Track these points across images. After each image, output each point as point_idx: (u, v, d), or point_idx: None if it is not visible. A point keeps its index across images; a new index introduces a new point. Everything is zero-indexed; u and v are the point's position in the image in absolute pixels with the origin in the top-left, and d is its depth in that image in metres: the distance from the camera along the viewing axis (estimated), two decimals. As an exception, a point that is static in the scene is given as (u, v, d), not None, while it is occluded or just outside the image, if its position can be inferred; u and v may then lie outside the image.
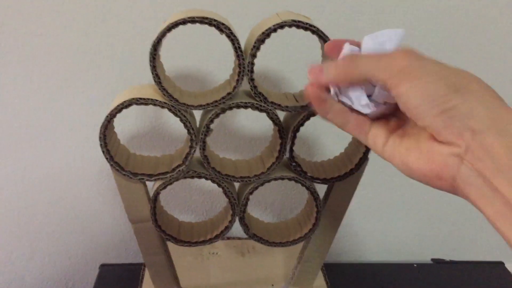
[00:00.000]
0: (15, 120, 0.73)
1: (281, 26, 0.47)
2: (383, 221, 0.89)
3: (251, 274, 0.72)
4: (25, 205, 0.81)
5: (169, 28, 0.46)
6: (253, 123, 0.77)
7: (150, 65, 0.47)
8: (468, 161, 0.31)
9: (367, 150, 0.55)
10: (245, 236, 0.78)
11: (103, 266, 0.79)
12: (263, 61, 0.71)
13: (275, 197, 0.86)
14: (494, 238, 0.91)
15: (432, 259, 0.86)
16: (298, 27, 0.47)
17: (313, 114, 0.52)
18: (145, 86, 0.53)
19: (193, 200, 0.84)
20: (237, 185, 0.60)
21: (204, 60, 0.72)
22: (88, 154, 0.77)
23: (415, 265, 0.83)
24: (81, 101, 0.72)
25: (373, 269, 0.81)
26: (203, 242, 0.59)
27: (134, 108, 0.50)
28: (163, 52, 0.50)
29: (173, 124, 0.76)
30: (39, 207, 0.81)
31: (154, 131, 0.76)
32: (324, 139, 0.79)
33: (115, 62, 0.70)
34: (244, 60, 0.48)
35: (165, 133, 0.76)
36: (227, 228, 0.58)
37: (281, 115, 0.54)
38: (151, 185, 0.57)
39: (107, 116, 0.50)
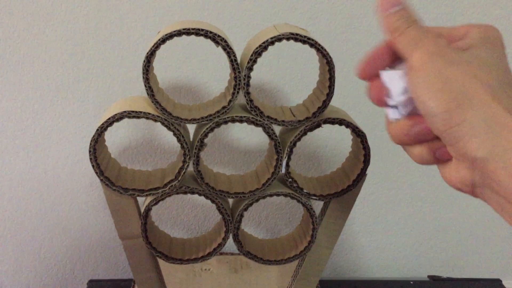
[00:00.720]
0: (2, 131, 0.71)
1: (278, 39, 0.46)
2: (379, 236, 0.88)
3: (244, 291, 0.71)
4: (11, 217, 0.79)
5: (163, 40, 0.45)
6: (248, 137, 0.76)
7: (143, 77, 0.46)
8: (478, 177, 0.29)
9: (365, 166, 0.53)
10: (238, 252, 0.77)
11: (91, 282, 0.77)
12: (259, 74, 0.70)
13: (269, 212, 0.84)
14: (491, 255, 0.91)
15: (429, 276, 0.85)
16: (296, 40, 0.46)
17: (310, 129, 0.51)
18: (138, 98, 0.52)
19: (185, 214, 0.82)
20: (231, 200, 0.59)
21: (199, 72, 0.70)
22: (78, 167, 0.75)
23: (411, 282, 0.81)
24: (71, 112, 0.71)
25: (369, 285, 0.80)
26: (195, 260, 0.57)
27: (126, 120, 0.48)
28: (156, 63, 0.49)
29: (166, 137, 0.74)
30: (26, 219, 0.79)
31: (146, 144, 0.74)
32: (320, 154, 0.78)
33: (107, 73, 0.69)
34: (240, 73, 0.47)
35: (158, 146, 0.75)
36: (220, 245, 0.57)
37: (277, 129, 0.53)
38: (142, 200, 0.56)
39: (97, 129, 0.48)
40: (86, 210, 0.79)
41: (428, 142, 0.34)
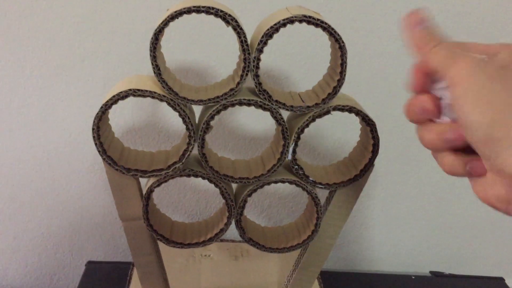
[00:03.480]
0: (4, 109, 0.70)
1: (291, 21, 0.45)
2: (382, 230, 0.87)
3: (244, 279, 0.70)
4: (10, 196, 0.78)
5: (172, 17, 0.44)
6: (253, 122, 0.75)
7: (150, 55, 0.45)
8: None
9: (373, 156, 0.53)
10: (239, 239, 0.76)
11: (90, 263, 0.77)
12: (267, 58, 0.69)
13: (272, 201, 0.83)
14: (495, 253, 0.90)
15: (431, 272, 0.85)
16: (308, 23, 0.45)
17: (319, 115, 0.50)
18: (144, 77, 0.51)
19: (187, 199, 0.82)
20: (234, 186, 0.58)
21: (206, 53, 0.69)
22: (81, 147, 0.75)
23: (413, 277, 0.81)
24: (76, 91, 0.70)
25: (370, 279, 0.79)
26: (196, 244, 0.57)
27: (130, 100, 0.48)
28: (163, 43, 0.48)
29: (170, 119, 0.73)
30: (25, 199, 0.79)
31: (150, 126, 0.74)
32: (327, 142, 0.77)
33: (113, 52, 0.68)
34: (250, 55, 0.46)
35: (161, 129, 0.74)
36: (222, 230, 0.56)
37: (285, 115, 0.52)
38: (144, 182, 0.55)
39: (101, 107, 0.47)
40: (86, 191, 0.79)
41: (462, 154, 0.33)
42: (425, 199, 0.84)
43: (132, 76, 0.52)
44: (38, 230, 0.82)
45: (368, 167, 0.53)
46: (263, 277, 0.71)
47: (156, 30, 0.44)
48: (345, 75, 0.48)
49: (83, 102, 0.71)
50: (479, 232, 0.88)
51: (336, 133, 0.75)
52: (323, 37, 0.47)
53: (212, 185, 0.54)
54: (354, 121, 0.52)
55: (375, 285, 0.78)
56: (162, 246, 0.59)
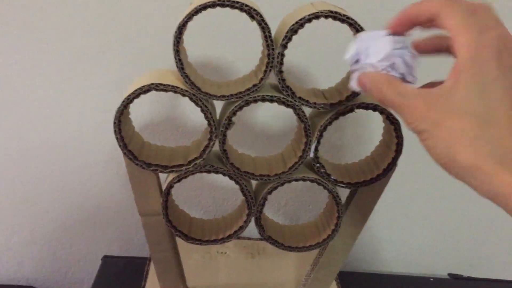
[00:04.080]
0: (23, 101, 0.71)
1: (316, 16, 0.44)
2: (400, 230, 0.86)
3: (260, 277, 0.70)
4: (28, 189, 0.79)
5: (196, 11, 0.43)
6: (272, 119, 0.74)
7: (174, 49, 0.45)
8: None
9: (397, 155, 0.52)
10: (255, 236, 0.76)
11: (106, 258, 0.77)
12: (289, 54, 0.68)
13: (289, 199, 0.83)
14: (515, 257, 0.89)
15: (449, 274, 0.83)
16: (334, 18, 0.44)
17: (342, 113, 0.49)
18: (166, 71, 0.51)
19: (204, 196, 0.81)
20: (254, 183, 0.58)
21: (226, 50, 0.69)
22: (98, 140, 0.75)
23: (431, 279, 0.80)
24: (93, 84, 0.70)
25: (388, 280, 0.79)
26: (215, 241, 0.56)
27: (149, 95, 0.47)
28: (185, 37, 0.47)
29: (189, 115, 0.73)
30: (43, 192, 0.79)
31: (168, 120, 0.73)
32: (349, 141, 0.76)
33: (131, 45, 0.68)
34: (274, 51, 0.45)
35: (180, 123, 0.74)
36: (241, 228, 0.56)
37: (307, 112, 0.51)
38: (164, 177, 0.55)
39: (123, 101, 0.47)
40: (103, 185, 0.79)
41: None
42: (444, 200, 0.83)
43: (154, 70, 0.51)
44: (54, 223, 0.83)
45: (391, 166, 0.53)
46: (280, 275, 0.70)
47: (180, 23, 0.44)
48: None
49: (99, 96, 0.71)
50: (498, 234, 0.87)
51: (358, 131, 0.75)
52: (347, 33, 0.47)
53: (229, 182, 0.53)
54: (376, 118, 0.51)
55: (393, 286, 0.77)
56: (179, 242, 0.59)
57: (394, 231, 0.87)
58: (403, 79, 0.38)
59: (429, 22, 0.35)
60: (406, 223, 0.85)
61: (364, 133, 0.75)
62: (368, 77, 0.38)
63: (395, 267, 0.90)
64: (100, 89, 0.70)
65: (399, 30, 0.38)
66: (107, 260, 0.77)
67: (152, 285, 0.66)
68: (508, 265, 0.90)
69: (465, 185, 0.81)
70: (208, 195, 0.81)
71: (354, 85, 0.41)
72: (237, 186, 0.54)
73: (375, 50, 0.39)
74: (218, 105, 0.53)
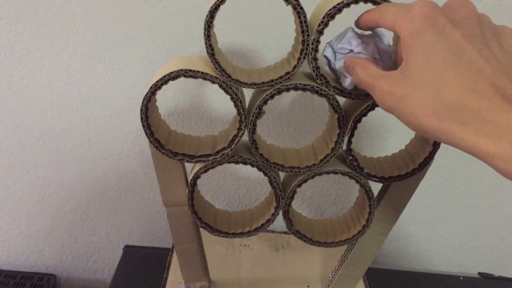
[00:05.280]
0: (48, 86, 0.70)
1: (355, 0, 0.42)
2: (429, 227, 0.84)
3: (285, 271, 0.68)
4: (50, 175, 0.78)
5: (230, -7, 0.42)
6: (303, 108, 0.72)
7: (205, 34, 0.43)
8: None
9: (435, 149, 0.50)
10: (279, 229, 0.74)
11: (127, 247, 0.77)
12: (324, 41, 0.66)
13: (314, 192, 0.81)
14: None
15: (480, 273, 0.81)
16: (374, 3, 0.42)
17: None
18: (194, 58, 0.49)
19: (227, 186, 0.80)
20: (282, 175, 0.56)
21: (254, 38, 0.67)
22: (122, 128, 0.74)
23: (461, 278, 0.78)
24: (119, 70, 0.69)
25: (416, 277, 0.77)
26: (241, 234, 0.55)
27: (175, 82, 0.46)
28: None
29: (215, 104, 0.72)
30: (65, 179, 0.79)
31: (193, 109, 0.72)
32: (382, 133, 0.74)
33: (158, 32, 0.66)
34: (310, 37, 0.44)
35: (204, 112, 0.72)
36: (269, 221, 0.54)
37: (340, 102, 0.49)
38: (189, 167, 0.54)
39: (151, 87, 0.46)
40: (126, 173, 0.78)
41: None
42: (476, 197, 0.80)
43: (182, 57, 0.50)
44: (76, 211, 0.83)
45: (428, 160, 0.50)
46: (305, 270, 0.69)
47: (211, 7, 0.42)
48: (410, 61, 0.45)
49: (126, 81, 0.70)
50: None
51: (392, 124, 0.72)
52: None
53: (254, 173, 0.52)
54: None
55: (421, 284, 0.75)
56: (202, 233, 0.58)
57: (421, 227, 0.84)
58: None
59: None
60: (435, 219, 0.83)
61: (399, 126, 0.72)
62: (350, 61, 0.42)
63: (422, 264, 0.88)
64: (127, 75, 0.69)
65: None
66: (129, 250, 0.76)
67: (174, 276, 0.65)
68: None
69: (497, 181, 0.78)
70: (231, 185, 0.80)
71: (349, 85, 0.45)
72: (261, 177, 0.52)
73: (348, 40, 0.44)
74: (247, 93, 0.51)
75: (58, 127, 0.74)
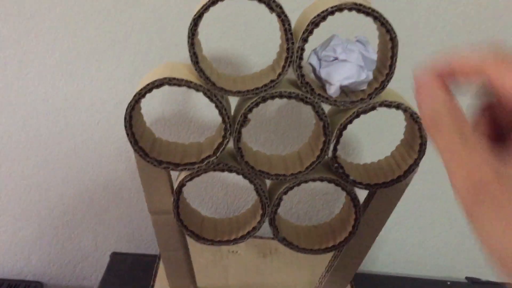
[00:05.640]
0: (34, 92, 0.69)
1: (340, 8, 0.42)
2: (416, 232, 0.84)
3: (273, 277, 0.68)
4: (36, 183, 0.78)
5: (213, 1, 0.41)
6: (289, 116, 0.73)
7: (188, 42, 0.43)
8: None
9: (420, 156, 0.50)
10: (267, 235, 0.74)
11: (114, 255, 0.76)
12: (308, 49, 0.66)
13: (302, 196, 0.81)
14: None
15: (467, 278, 0.81)
16: (359, 11, 0.42)
17: (364, 111, 0.47)
18: (179, 65, 0.49)
19: (215, 192, 0.80)
20: (268, 182, 0.56)
21: (241, 44, 0.67)
22: (108, 134, 0.73)
23: (448, 283, 0.78)
24: (105, 76, 0.69)
25: (403, 282, 0.77)
26: (227, 242, 0.55)
27: (160, 89, 0.46)
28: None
29: (203, 110, 0.71)
30: (51, 186, 0.78)
31: (180, 115, 0.72)
32: (367, 140, 0.74)
33: (144, 38, 0.66)
34: (294, 45, 0.44)
35: (192, 118, 0.72)
36: (255, 229, 0.54)
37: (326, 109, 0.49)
38: (175, 175, 0.54)
39: (135, 95, 0.45)
40: (113, 180, 0.78)
41: None
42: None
43: (167, 64, 0.50)
44: (63, 218, 0.82)
45: (414, 167, 0.51)
46: (292, 276, 0.69)
47: (195, 15, 0.42)
48: (394, 68, 0.45)
49: (112, 88, 0.69)
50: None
51: (378, 130, 0.72)
52: (371, 26, 0.45)
53: (241, 179, 0.52)
54: (396, 116, 0.49)
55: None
56: (189, 240, 0.57)
57: (408, 232, 0.84)
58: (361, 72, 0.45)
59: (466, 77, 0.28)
60: (421, 224, 0.83)
61: (384, 132, 0.73)
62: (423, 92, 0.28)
63: (409, 269, 0.87)
64: (113, 81, 0.69)
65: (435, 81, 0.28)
66: (116, 257, 0.76)
67: (161, 284, 0.64)
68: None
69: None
70: (219, 191, 0.79)
71: (334, 93, 0.46)
72: (249, 184, 0.52)
73: (333, 48, 0.46)
74: (233, 101, 0.51)
75: (44, 134, 0.73)
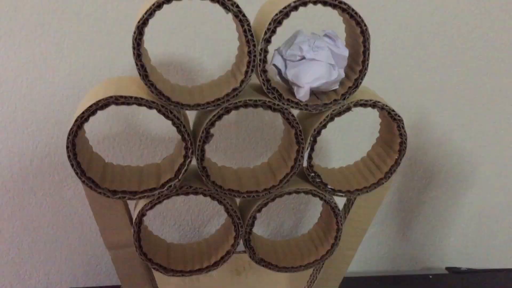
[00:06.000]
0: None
1: (304, 2, 0.37)
2: (391, 226, 0.82)
3: (250, 297, 0.64)
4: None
5: (159, 4, 0.36)
6: (248, 119, 0.68)
7: (134, 53, 0.38)
8: None
9: (400, 155, 0.47)
10: (238, 249, 0.69)
11: (71, 291, 0.69)
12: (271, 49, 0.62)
13: (275, 209, 0.77)
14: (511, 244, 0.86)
15: (447, 268, 0.80)
16: (325, 4, 0.38)
17: (338, 113, 0.43)
18: (124, 79, 0.44)
19: (176, 208, 0.74)
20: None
21: (190, 46, 0.62)
22: (48, 159, 0.66)
23: (430, 276, 0.76)
24: (39, 93, 0.61)
25: (385, 282, 0.74)
26: (199, 271, 0.50)
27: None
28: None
29: (154, 121, 0.65)
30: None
31: (130, 129, 0.66)
32: (339, 141, 0.70)
33: (81, 49, 0.59)
34: (256, 47, 0.39)
35: (143, 133, 0.66)
36: (229, 253, 0.49)
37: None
38: (132, 203, 0.48)
39: (76, 120, 0.39)
40: (60, 208, 0.70)
41: None
42: (434, 190, 0.79)
43: (110, 79, 0.44)
44: (7, 254, 0.74)
45: (395, 168, 0.47)
46: (271, 293, 0.64)
47: (139, 22, 0.37)
48: (368, 64, 0.41)
49: (48, 106, 0.62)
50: (492, 224, 0.83)
51: (349, 130, 0.69)
52: (339, 20, 0.41)
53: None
54: (368, 114, 0.46)
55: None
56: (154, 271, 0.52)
57: (383, 227, 0.82)
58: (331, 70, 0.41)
59: None
60: (395, 217, 0.81)
61: (355, 132, 0.69)
62: None
63: (387, 266, 0.85)
64: (49, 98, 0.62)
65: None
66: (73, 293, 0.69)
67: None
68: (507, 253, 0.87)
69: (456, 174, 0.76)
70: (181, 207, 0.73)
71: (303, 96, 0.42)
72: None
73: (298, 46, 0.41)
74: (190, 114, 0.46)
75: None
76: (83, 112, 0.39)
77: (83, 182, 0.42)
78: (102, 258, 0.76)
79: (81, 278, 0.77)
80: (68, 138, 0.40)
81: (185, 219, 0.75)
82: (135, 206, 0.47)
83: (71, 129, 0.39)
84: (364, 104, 0.43)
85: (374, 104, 0.43)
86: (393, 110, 0.44)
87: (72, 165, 0.41)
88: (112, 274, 0.78)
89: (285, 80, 0.43)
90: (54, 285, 0.77)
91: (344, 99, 0.42)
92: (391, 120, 0.45)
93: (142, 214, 0.45)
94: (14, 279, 0.77)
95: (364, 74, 0.42)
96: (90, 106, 0.39)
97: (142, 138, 0.67)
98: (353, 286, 0.70)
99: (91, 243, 0.74)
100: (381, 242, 0.83)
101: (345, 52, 0.42)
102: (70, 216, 0.72)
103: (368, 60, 0.41)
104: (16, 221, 0.71)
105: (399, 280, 0.75)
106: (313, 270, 0.57)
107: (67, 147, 0.40)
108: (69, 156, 0.41)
